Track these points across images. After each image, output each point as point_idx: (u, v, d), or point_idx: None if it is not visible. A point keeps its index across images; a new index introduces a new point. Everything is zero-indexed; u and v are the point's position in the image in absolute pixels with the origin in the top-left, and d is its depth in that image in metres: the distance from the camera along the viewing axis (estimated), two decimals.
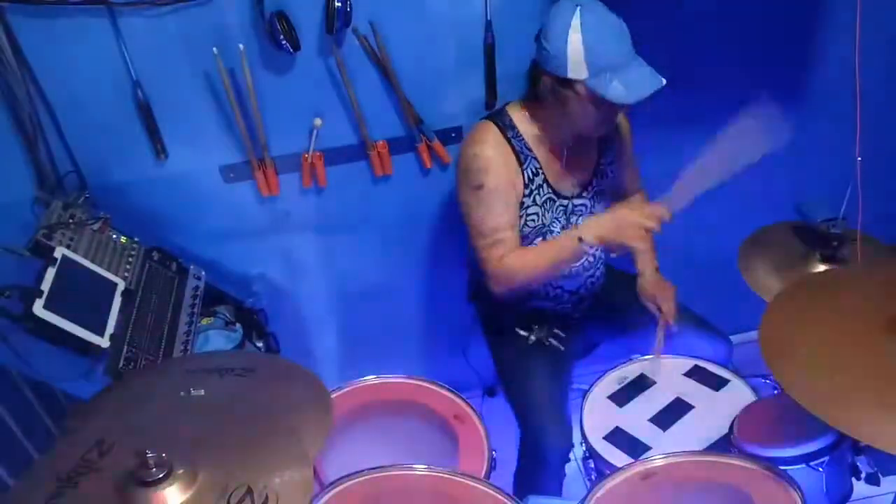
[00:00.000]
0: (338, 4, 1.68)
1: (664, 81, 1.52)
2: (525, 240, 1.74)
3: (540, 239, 1.75)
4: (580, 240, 1.61)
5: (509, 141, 1.67)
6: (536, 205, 1.71)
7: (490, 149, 1.65)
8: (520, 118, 1.69)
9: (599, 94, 1.52)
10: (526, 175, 1.68)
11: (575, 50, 1.51)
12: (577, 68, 1.52)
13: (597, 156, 1.78)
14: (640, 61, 1.54)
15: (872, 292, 1.40)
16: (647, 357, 1.85)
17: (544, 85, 1.59)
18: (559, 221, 1.76)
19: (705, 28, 1.92)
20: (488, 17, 1.81)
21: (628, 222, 1.58)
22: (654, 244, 1.89)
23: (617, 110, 1.63)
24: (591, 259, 1.82)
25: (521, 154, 1.67)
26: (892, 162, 2.04)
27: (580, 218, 1.78)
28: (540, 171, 1.70)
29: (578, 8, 1.50)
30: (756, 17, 1.95)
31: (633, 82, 1.51)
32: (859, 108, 1.47)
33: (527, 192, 1.69)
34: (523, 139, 1.68)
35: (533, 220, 1.72)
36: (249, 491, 1.04)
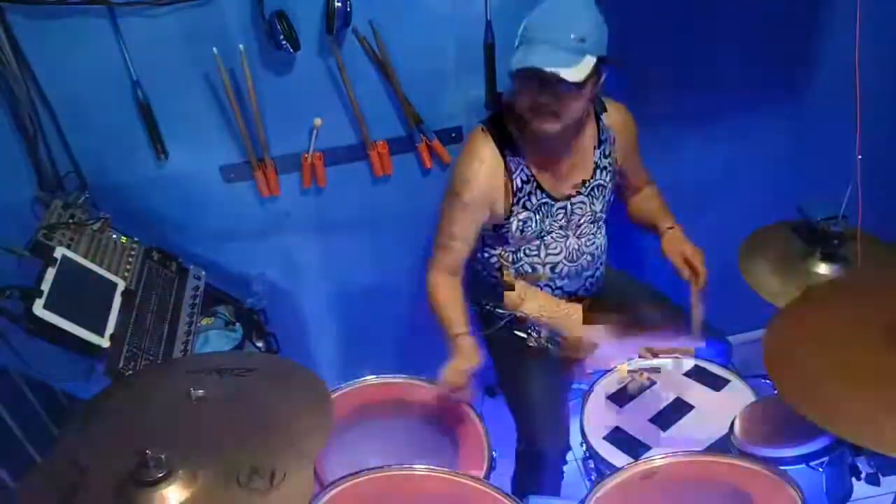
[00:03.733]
0: (338, 4, 1.68)
1: (564, 75, 1.48)
2: (522, 241, 1.75)
3: (538, 242, 1.76)
4: (455, 338, 1.68)
5: (502, 152, 1.67)
6: (528, 210, 1.71)
7: (479, 162, 1.67)
8: (512, 124, 1.69)
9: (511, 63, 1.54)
10: (515, 184, 1.69)
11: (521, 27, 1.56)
12: (516, 42, 1.56)
13: (592, 153, 1.77)
14: (565, 49, 1.49)
15: (872, 300, 1.40)
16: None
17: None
18: (557, 223, 1.76)
19: (705, 28, 1.92)
20: (488, 17, 1.81)
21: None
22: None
23: (535, 94, 1.55)
24: (589, 258, 1.82)
25: (513, 163, 1.68)
26: (893, 160, 2.03)
27: (582, 218, 1.78)
28: (532, 179, 1.70)
29: None
30: (756, 16, 1.95)
31: (534, 56, 1.50)
32: (859, 106, 1.47)
33: (515, 200, 1.70)
34: (515, 145, 1.68)
35: (529, 227, 1.73)
36: (255, 470, 1.05)
